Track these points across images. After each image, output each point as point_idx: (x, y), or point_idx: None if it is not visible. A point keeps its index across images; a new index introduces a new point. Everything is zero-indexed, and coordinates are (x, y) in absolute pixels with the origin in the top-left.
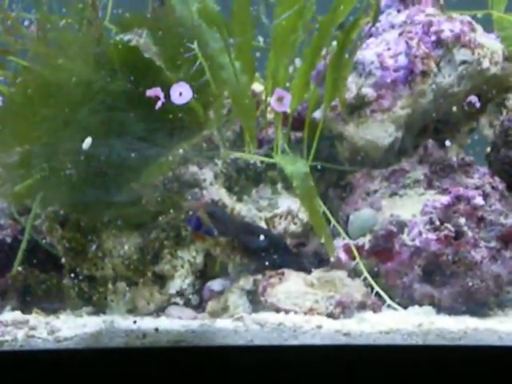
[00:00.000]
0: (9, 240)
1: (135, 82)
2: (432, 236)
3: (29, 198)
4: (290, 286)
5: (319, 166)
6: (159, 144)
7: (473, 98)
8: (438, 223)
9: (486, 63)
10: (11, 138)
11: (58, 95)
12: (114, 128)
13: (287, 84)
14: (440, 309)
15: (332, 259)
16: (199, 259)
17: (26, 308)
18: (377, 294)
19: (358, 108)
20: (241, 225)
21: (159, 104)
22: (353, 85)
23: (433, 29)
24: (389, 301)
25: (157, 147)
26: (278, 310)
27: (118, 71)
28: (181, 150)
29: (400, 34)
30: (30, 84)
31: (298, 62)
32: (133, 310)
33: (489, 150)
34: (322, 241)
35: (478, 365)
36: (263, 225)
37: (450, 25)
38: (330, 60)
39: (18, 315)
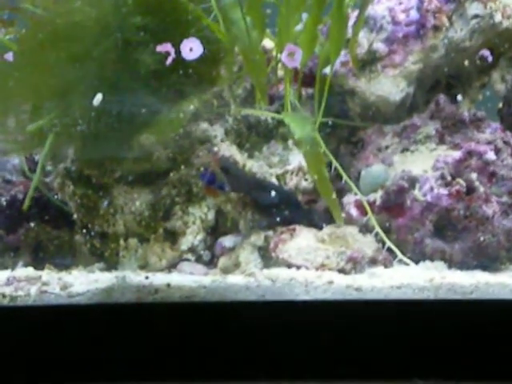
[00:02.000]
0: (21, 196)
1: (154, 27)
2: (443, 191)
3: (39, 146)
4: (302, 242)
5: (330, 122)
6: (170, 99)
7: (485, 53)
8: (449, 178)
9: (498, 17)
10: (23, 89)
11: (70, 40)
12: (126, 80)
13: (297, 40)
14: (451, 264)
15: (338, 222)
16: (210, 216)
17: (38, 264)
18: (388, 249)
19: (369, 63)
20: (254, 181)
21: (170, 60)
22: (364, 40)
23: None
24: (400, 256)
25: (168, 102)
26: (289, 266)
27: (135, 14)
28: (191, 107)
29: None
30: (41, 30)
31: (304, 16)
32: (144, 266)
33: (501, 104)
34: (329, 207)
35: (490, 318)
36: (274, 181)
37: None
38: (331, 12)
39: (30, 271)
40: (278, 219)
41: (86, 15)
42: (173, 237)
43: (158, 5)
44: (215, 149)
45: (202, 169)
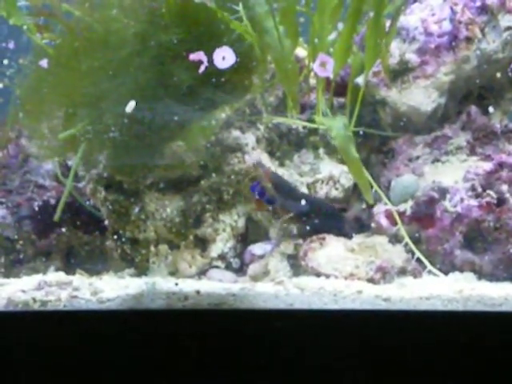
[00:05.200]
0: (53, 202)
1: (188, 37)
2: (474, 202)
3: (71, 151)
4: (331, 251)
5: (361, 132)
6: (203, 107)
7: None
8: (480, 190)
9: None
10: (56, 95)
11: (106, 49)
12: (160, 88)
13: (330, 49)
14: (481, 275)
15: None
16: (241, 223)
17: (69, 269)
18: (417, 259)
19: (401, 74)
20: (302, 196)
21: (202, 68)
22: (396, 50)
23: None
24: (430, 266)
25: (200, 110)
26: (318, 275)
27: (170, 25)
28: (224, 114)
29: (445, 0)
30: (77, 37)
31: (340, 26)
32: (174, 273)
33: None
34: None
35: None
36: (305, 190)
37: None
38: (368, 23)
39: (61, 276)
40: (308, 228)
41: (123, 24)
42: (203, 244)
43: (192, 14)
44: (245, 157)
45: (253, 181)
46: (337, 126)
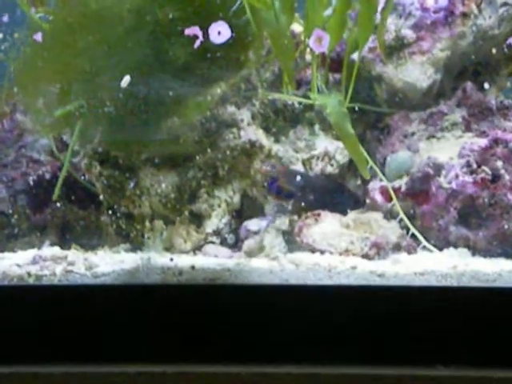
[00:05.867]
0: (48, 176)
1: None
2: (469, 179)
3: (67, 128)
4: (326, 227)
5: (357, 108)
6: (198, 83)
7: None
8: (475, 166)
9: None
10: (51, 70)
11: (100, 24)
12: (155, 63)
13: (326, 25)
14: (475, 251)
15: (368, 201)
16: (236, 199)
17: (64, 244)
18: (412, 235)
19: (397, 49)
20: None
21: (198, 43)
22: (392, 26)
23: None
24: (424, 242)
25: (196, 86)
26: (313, 251)
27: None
28: (219, 90)
29: None
30: (73, 12)
31: (333, 0)
32: (169, 248)
33: None
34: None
35: None
36: (300, 166)
37: None
38: None
39: (56, 250)
40: (303, 204)
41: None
42: (198, 219)
43: None
44: (241, 133)
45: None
46: (332, 103)
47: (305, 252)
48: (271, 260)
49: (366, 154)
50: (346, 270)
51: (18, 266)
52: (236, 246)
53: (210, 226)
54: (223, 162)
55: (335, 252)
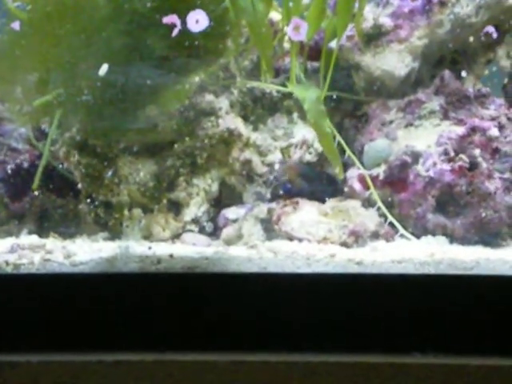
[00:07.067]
0: (26, 165)
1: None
2: (446, 167)
3: (46, 117)
4: (304, 215)
5: (335, 96)
6: (177, 71)
7: (490, 29)
8: (452, 154)
9: None
10: (29, 59)
11: (79, 12)
12: (133, 52)
13: (305, 13)
14: (453, 239)
15: (346, 189)
16: (214, 187)
17: (42, 232)
18: (390, 223)
19: (374, 38)
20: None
21: (176, 31)
22: (370, 14)
23: None
24: (402, 230)
25: (174, 74)
26: (291, 239)
27: None
28: (197, 79)
29: None
30: (49, 1)
31: None
32: (148, 237)
33: (506, 81)
34: (331, 161)
35: (490, 294)
36: (278, 154)
37: None
38: None
39: (34, 239)
40: (281, 192)
41: None
42: (176, 208)
43: None
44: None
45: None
46: (310, 99)
47: (283, 240)
48: (250, 248)
49: (343, 142)
50: (325, 257)
51: None
52: (214, 234)
53: (189, 214)
54: (202, 150)
55: (313, 240)
